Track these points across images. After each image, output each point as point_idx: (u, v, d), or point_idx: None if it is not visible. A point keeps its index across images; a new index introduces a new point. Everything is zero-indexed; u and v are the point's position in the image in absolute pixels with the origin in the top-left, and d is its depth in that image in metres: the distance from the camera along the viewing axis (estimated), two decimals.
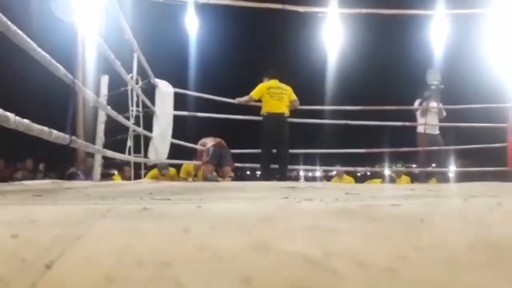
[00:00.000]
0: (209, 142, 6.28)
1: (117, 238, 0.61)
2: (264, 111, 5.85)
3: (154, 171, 7.04)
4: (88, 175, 5.33)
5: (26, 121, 2.16)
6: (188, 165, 7.29)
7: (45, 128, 2.39)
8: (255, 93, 5.92)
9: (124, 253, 0.54)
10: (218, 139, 6.30)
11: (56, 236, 0.61)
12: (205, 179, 5.92)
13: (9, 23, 2.03)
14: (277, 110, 5.79)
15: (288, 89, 5.98)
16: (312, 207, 0.97)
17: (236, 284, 0.49)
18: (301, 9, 7.05)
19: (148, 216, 0.81)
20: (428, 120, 6.65)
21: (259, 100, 5.96)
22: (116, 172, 7.76)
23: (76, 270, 0.50)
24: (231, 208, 0.91)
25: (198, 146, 6.46)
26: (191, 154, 7.00)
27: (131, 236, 0.62)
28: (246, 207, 0.92)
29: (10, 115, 2.00)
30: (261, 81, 6.06)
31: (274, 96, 5.82)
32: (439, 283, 0.51)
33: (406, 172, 8.30)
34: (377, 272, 0.52)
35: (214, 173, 5.95)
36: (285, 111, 5.86)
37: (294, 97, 6.03)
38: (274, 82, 5.93)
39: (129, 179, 6.33)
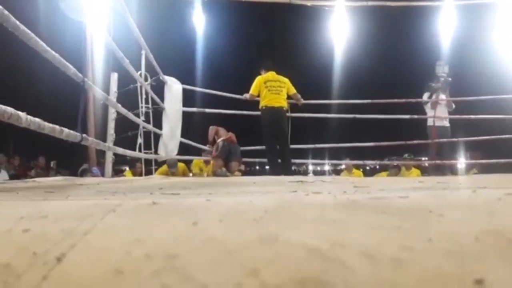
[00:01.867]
0: (221, 134, 6.30)
1: (126, 232, 0.62)
2: (262, 104, 5.76)
3: (164, 168, 7.08)
4: (103, 171, 5.37)
5: (37, 119, 2.19)
6: (199, 160, 7.32)
7: (56, 126, 2.42)
8: (253, 89, 5.85)
9: (133, 246, 0.55)
10: (229, 134, 6.29)
11: (67, 230, 0.62)
12: (215, 174, 5.93)
13: (18, 23, 2.06)
14: (276, 104, 5.69)
15: (286, 81, 5.90)
16: (320, 200, 0.97)
17: (244, 275, 0.49)
18: (308, 2, 7.00)
19: (157, 210, 0.82)
20: (438, 113, 6.61)
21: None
22: (127, 168, 7.81)
23: (86, 263, 0.51)
24: (239, 201, 0.92)
25: (210, 132, 6.48)
26: (200, 150, 7.03)
27: (140, 230, 0.63)
28: (254, 200, 0.92)
29: (22, 114, 2.03)
30: (258, 73, 5.99)
31: (272, 90, 5.72)
32: (447, 274, 0.51)
33: (416, 164, 8.25)
34: (384, 263, 0.52)
35: (224, 169, 5.96)
36: (284, 104, 5.78)
37: (293, 90, 5.96)
38: (271, 75, 5.84)
39: (141, 175, 6.38)
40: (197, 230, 0.63)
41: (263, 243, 0.57)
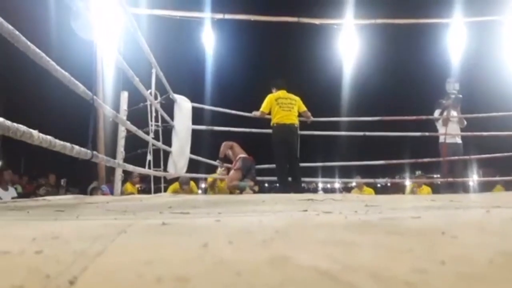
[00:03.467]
0: (236, 150, 6.38)
1: (137, 254, 0.62)
2: (273, 122, 5.80)
3: (175, 185, 7.13)
4: (112, 189, 5.42)
5: (49, 137, 2.21)
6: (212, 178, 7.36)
7: (67, 144, 2.44)
8: (264, 107, 5.88)
9: (144, 269, 0.55)
10: (247, 155, 6.41)
11: (78, 252, 0.63)
12: (236, 187, 5.99)
13: (29, 43, 2.09)
14: (287, 121, 5.74)
15: (297, 99, 5.95)
16: (331, 220, 0.96)
17: None
18: (316, 21, 7.05)
19: (167, 231, 0.82)
20: (449, 130, 6.57)
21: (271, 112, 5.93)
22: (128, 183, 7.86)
23: (98, 286, 0.51)
24: (249, 221, 0.92)
25: (222, 148, 6.55)
26: (209, 166, 7.06)
27: (151, 252, 0.63)
28: (264, 220, 0.92)
29: (34, 132, 2.05)
30: (269, 91, 6.05)
31: (284, 107, 5.78)
32: None
33: (427, 182, 8.18)
34: (395, 286, 0.51)
35: (250, 182, 6.05)
36: (295, 121, 5.83)
37: (304, 108, 6.00)
38: (282, 93, 5.90)
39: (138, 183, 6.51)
40: (207, 252, 0.63)
41: (274, 265, 0.57)
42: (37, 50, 2.18)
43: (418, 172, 8.09)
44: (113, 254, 0.63)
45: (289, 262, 0.58)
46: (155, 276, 0.53)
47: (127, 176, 7.39)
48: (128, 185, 7.49)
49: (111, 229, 0.80)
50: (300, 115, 6.04)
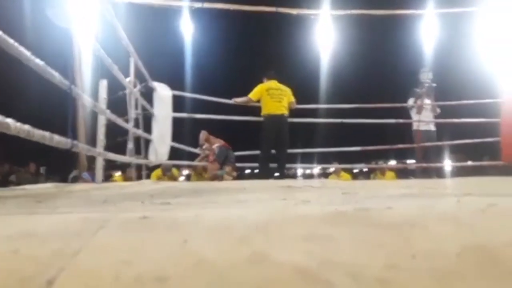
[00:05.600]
0: (213, 141, 6.42)
1: (115, 253, 0.62)
2: (264, 112, 5.90)
3: (158, 172, 7.14)
4: (93, 177, 5.35)
5: (26, 126, 2.15)
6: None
7: (46, 133, 2.39)
8: (253, 94, 5.95)
9: (122, 268, 0.55)
10: (223, 142, 6.47)
11: (56, 251, 0.62)
12: (215, 176, 6.05)
13: (0, 33, 2.02)
14: (278, 111, 5.84)
15: (288, 90, 6.05)
16: (308, 213, 0.98)
17: None
18: (293, 11, 7.05)
19: (147, 226, 0.82)
20: (423, 117, 6.75)
21: (258, 101, 5.99)
22: (119, 173, 7.81)
23: (76, 287, 0.52)
24: (228, 216, 0.93)
25: (201, 136, 6.61)
26: (191, 154, 7.08)
27: (130, 250, 0.63)
28: (243, 214, 0.93)
29: (11, 121, 1.99)
30: (260, 81, 6.09)
31: (274, 97, 5.86)
32: None
33: (390, 168, 8.56)
34: (369, 283, 0.53)
35: (227, 168, 6.12)
36: (285, 112, 5.93)
37: (292, 98, 6.09)
38: (273, 83, 5.98)
39: (131, 180, 6.44)
40: (187, 249, 0.64)
41: (253, 263, 0.58)
42: (10, 39, 2.10)
43: (380, 162, 8.53)
44: (90, 253, 0.63)
45: (267, 259, 0.59)
46: (134, 276, 0.53)
47: (121, 169, 7.34)
48: (118, 178, 7.46)
49: (89, 225, 0.80)
50: None
